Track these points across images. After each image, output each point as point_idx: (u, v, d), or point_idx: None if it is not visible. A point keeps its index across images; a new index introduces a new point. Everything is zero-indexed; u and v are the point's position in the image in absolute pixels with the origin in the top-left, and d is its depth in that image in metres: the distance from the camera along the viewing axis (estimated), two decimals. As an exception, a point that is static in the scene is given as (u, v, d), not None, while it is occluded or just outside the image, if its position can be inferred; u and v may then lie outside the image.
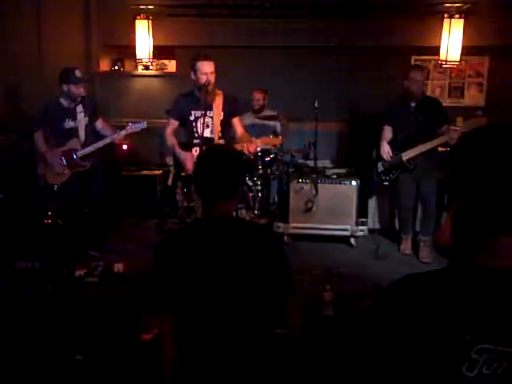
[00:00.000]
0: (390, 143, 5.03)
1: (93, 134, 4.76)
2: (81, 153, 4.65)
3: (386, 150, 4.99)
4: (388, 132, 5.04)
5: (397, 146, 4.97)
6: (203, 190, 2.01)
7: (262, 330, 1.94)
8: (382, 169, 5.08)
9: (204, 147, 3.92)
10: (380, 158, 5.07)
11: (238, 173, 2.03)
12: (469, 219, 1.03)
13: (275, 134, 5.68)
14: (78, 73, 4.55)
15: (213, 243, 1.93)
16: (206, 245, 1.93)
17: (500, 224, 0.99)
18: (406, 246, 5.09)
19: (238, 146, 4.12)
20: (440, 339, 0.96)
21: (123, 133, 4.65)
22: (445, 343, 0.95)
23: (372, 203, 5.60)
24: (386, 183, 5.10)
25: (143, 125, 4.70)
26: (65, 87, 4.55)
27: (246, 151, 4.04)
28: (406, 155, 4.87)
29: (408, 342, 0.98)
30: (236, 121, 4.23)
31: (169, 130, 4.29)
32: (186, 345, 1.95)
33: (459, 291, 0.98)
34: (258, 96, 5.81)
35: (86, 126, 4.71)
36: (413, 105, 4.89)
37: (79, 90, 4.57)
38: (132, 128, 4.68)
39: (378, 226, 5.59)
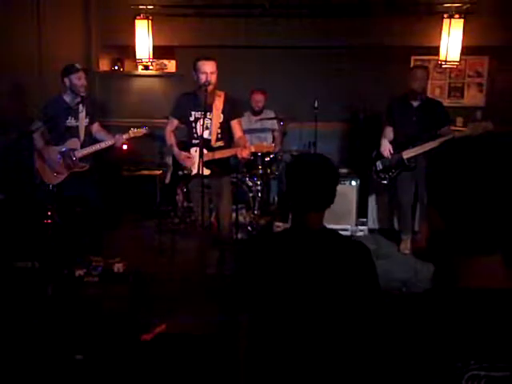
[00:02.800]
0: (390, 142, 5.03)
1: (91, 136, 4.76)
2: (79, 153, 4.64)
3: (386, 147, 4.99)
4: (389, 132, 5.05)
5: (397, 144, 4.97)
6: (299, 201, 1.92)
7: (343, 347, 1.81)
8: (380, 167, 5.07)
9: (203, 148, 3.93)
10: (379, 156, 5.07)
11: (333, 183, 1.94)
12: (449, 238, 1.00)
13: (274, 137, 5.73)
14: (77, 65, 4.60)
15: (308, 255, 1.84)
16: (299, 256, 1.84)
17: (480, 244, 0.96)
18: (406, 245, 5.09)
19: (231, 151, 4.12)
20: (430, 368, 0.92)
21: (125, 136, 4.66)
22: (436, 372, 0.92)
23: (372, 203, 5.60)
24: (385, 182, 5.10)
25: (145, 129, 4.73)
26: (66, 80, 4.54)
27: (239, 156, 4.04)
28: (407, 154, 4.87)
29: (397, 370, 0.95)
30: (235, 123, 4.22)
31: (169, 129, 4.29)
32: (264, 352, 1.87)
33: (446, 316, 0.95)
34: (258, 97, 5.78)
35: (86, 127, 4.71)
36: (414, 104, 4.90)
37: (81, 81, 4.55)
38: (134, 132, 4.70)
39: (378, 225, 5.59)
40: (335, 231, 1.98)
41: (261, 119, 5.67)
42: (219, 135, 4.17)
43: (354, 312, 1.80)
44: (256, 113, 5.80)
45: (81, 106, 4.64)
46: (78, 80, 4.54)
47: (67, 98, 4.61)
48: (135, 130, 4.70)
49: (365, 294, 1.83)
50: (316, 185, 1.88)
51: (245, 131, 5.21)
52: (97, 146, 4.67)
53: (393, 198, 5.31)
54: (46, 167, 4.65)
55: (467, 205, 0.95)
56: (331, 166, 1.94)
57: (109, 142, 4.67)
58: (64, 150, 4.62)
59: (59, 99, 4.62)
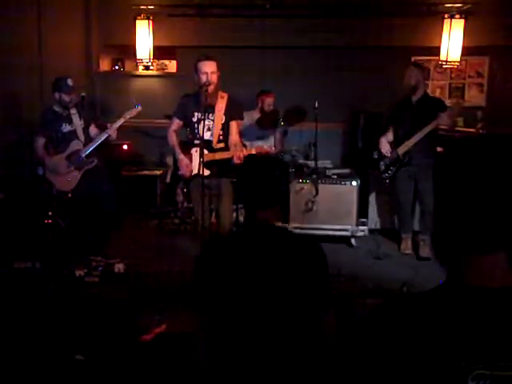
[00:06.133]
0: (391, 143, 5.04)
1: (90, 137, 4.80)
2: (85, 150, 4.68)
3: (384, 144, 5.02)
4: (390, 134, 5.06)
5: (396, 142, 5.00)
6: (245, 199, 2.09)
7: (298, 343, 1.87)
8: (383, 167, 5.09)
9: (204, 149, 3.93)
10: (381, 157, 5.07)
11: (276, 182, 2.06)
12: (454, 236, 1.01)
13: (275, 138, 5.72)
14: (69, 81, 4.60)
15: (254, 252, 1.92)
16: (247, 254, 1.93)
17: (484, 242, 0.97)
18: (406, 245, 5.08)
19: (227, 154, 4.12)
20: (435, 367, 0.92)
21: (122, 120, 4.69)
22: (440, 371, 0.92)
23: (372, 203, 5.60)
24: (388, 181, 5.11)
25: (138, 107, 4.74)
26: (57, 95, 4.63)
27: (236, 159, 4.03)
28: (401, 149, 4.89)
29: (401, 368, 0.95)
30: (233, 125, 4.20)
31: (171, 130, 4.28)
32: (221, 350, 1.93)
33: (450, 314, 0.95)
34: (270, 101, 5.63)
35: (83, 128, 4.76)
36: (413, 100, 4.89)
37: (70, 98, 4.62)
38: (130, 113, 4.72)
39: (378, 225, 5.59)
40: (285, 229, 2.05)
41: (262, 128, 5.63)
42: (221, 136, 4.17)
43: (304, 305, 1.88)
44: (266, 114, 5.73)
45: (73, 110, 4.70)
46: (68, 97, 4.60)
47: (57, 109, 4.69)
48: (128, 112, 4.73)
49: (314, 288, 1.90)
50: (258, 184, 2.04)
51: (246, 131, 5.18)
52: (100, 137, 4.69)
53: (393, 198, 5.31)
54: (58, 177, 4.70)
55: (471, 204, 0.96)
56: (276, 167, 2.10)
57: (109, 131, 4.68)
58: (69, 154, 4.67)
59: (49, 110, 4.70)
